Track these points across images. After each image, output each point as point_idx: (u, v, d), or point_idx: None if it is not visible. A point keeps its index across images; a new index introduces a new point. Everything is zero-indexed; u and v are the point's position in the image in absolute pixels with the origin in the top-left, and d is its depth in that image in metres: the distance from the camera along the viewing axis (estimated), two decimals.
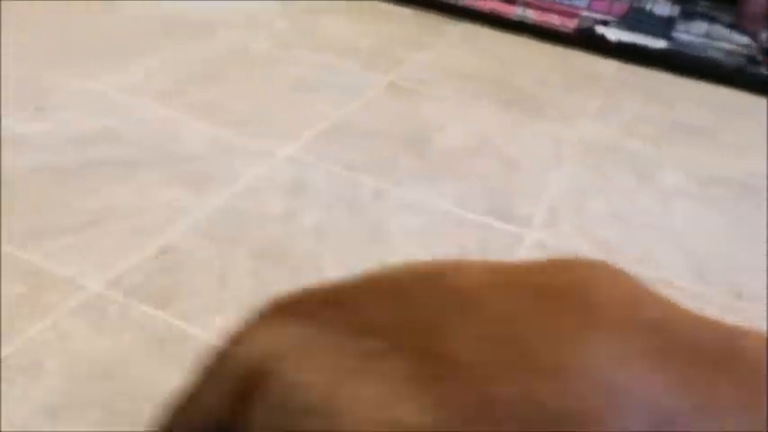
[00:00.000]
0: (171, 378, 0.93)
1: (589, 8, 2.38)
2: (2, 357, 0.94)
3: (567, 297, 0.44)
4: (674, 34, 2.30)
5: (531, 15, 2.31)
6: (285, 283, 1.13)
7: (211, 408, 0.44)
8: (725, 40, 2.27)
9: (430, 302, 0.42)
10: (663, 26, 2.33)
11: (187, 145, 1.47)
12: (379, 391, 0.36)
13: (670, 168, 1.65)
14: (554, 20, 2.31)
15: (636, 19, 2.35)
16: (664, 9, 2.47)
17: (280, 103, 1.70)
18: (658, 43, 2.23)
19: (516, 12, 2.32)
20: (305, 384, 0.38)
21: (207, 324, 1.03)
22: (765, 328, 0.95)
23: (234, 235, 1.22)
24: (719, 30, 2.34)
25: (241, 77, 1.80)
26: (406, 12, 2.33)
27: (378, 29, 2.22)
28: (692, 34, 2.31)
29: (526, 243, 1.31)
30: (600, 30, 2.27)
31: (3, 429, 0.85)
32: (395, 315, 0.41)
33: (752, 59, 2.17)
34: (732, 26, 2.34)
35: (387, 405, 0.36)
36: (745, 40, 2.24)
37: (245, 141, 1.52)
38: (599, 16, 2.33)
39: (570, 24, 2.30)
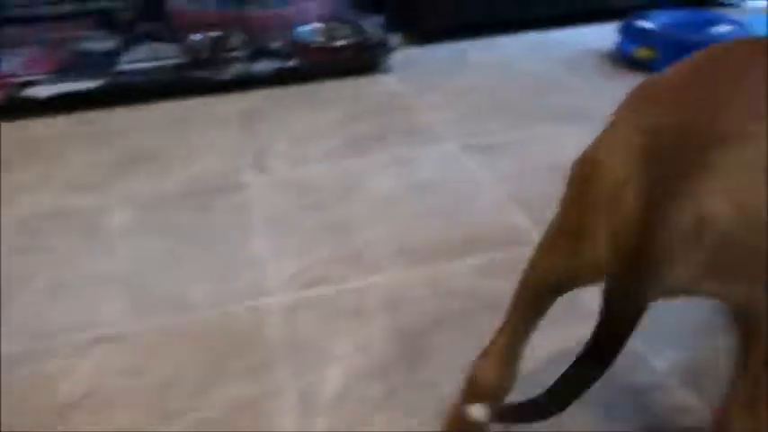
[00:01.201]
0: None
1: (25, 70, 2.19)
2: None
3: None
4: (118, 67, 2.25)
5: None
6: None
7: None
8: (167, 56, 2.29)
9: None
10: (105, 62, 2.27)
11: None
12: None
13: (117, 210, 1.59)
14: None
15: (71, 66, 2.24)
16: (104, 44, 2.41)
17: None
18: (95, 83, 2.16)
19: None
20: None
21: None
22: None
23: None
24: (162, 47, 2.36)
25: None
26: None
27: None
28: (137, 61, 2.29)
29: None
30: (28, 92, 2.11)
31: None
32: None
33: (182, 66, 2.23)
34: (166, 39, 2.37)
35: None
36: (175, 49, 2.29)
37: None
38: (30, 78, 2.16)
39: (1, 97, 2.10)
